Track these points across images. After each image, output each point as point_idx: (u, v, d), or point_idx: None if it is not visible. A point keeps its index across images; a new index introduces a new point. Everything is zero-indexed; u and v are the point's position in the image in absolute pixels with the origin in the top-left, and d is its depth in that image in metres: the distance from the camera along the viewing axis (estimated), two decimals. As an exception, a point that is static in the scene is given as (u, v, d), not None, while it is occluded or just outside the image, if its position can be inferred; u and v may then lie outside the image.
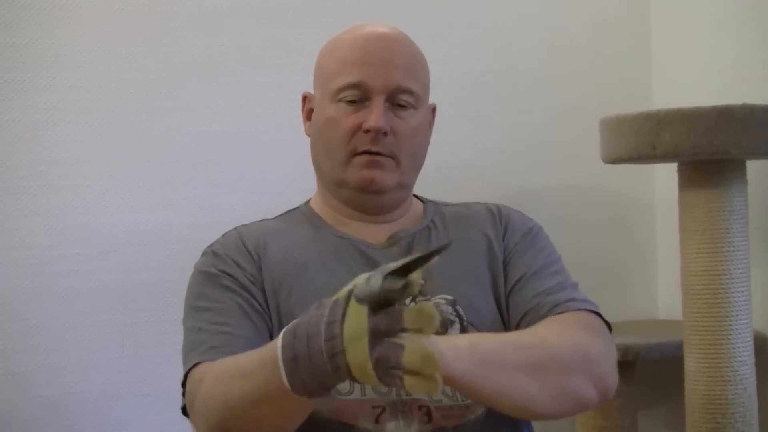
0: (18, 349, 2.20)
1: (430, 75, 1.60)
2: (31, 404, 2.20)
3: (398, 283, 1.07)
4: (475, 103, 2.64)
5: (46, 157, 2.24)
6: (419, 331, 1.08)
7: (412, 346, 1.06)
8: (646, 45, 2.87)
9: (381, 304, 1.07)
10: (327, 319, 1.09)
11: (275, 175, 2.41)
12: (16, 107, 2.22)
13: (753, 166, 2.26)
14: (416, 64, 1.55)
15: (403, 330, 1.07)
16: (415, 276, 1.08)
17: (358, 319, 1.07)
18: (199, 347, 1.39)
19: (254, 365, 1.22)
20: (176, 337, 1.49)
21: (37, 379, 2.21)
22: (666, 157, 2.15)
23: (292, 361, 1.12)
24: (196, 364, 1.37)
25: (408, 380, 1.05)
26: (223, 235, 1.56)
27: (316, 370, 1.10)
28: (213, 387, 1.30)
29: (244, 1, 2.42)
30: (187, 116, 2.35)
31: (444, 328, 1.45)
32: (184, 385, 1.40)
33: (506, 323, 1.51)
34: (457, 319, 1.47)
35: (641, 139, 2.13)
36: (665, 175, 2.56)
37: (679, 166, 2.24)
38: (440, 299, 1.48)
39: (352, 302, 1.08)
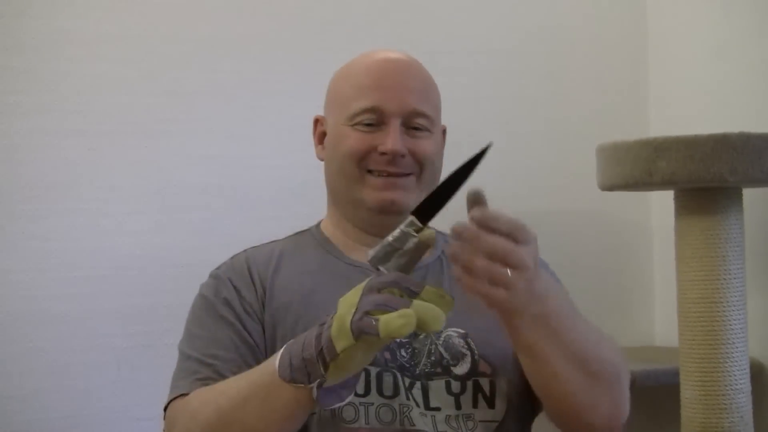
0: (14, 373, 2.20)
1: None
2: (27, 427, 2.19)
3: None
4: (471, 128, 2.61)
5: (43, 181, 2.24)
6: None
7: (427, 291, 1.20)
8: (643, 72, 2.87)
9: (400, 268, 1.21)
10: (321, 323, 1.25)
11: (272, 199, 2.41)
12: (14, 131, 2.22)
13: (749, 194, 2.26)
14: (429, 89, 1.57)
15: (414, 295, 1.20)
16: (428, 232, 1.22)
17: (350, 299, 1.20)
18: (187, 377, 1.43)
19: (248, 373, 1.34)
20: (172, 362, 1.49)
21: (34, 402, 2.20)
22: (663, 185, 2.15)
23: (286, 350, 1.27)
24: (181, 395, 1.40)
25: (384, 319, 1.15)
26: (231, 258, 1.57)
27: (303, 345, 1.24)
28: (201, 406, 1.35)
29: (243, 27, 2.43)
30: (184, 140, 2.35)
31: (455, 361, 1.45)
32: (166, 408, 1.43)
33: None
34: (468, 353, 1.47)
35: (638, 166, 2.14)
36: (662, 201, 2.56)
37: (675, 194, 2.24)
38: (452, 332, 1.48)
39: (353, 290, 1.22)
